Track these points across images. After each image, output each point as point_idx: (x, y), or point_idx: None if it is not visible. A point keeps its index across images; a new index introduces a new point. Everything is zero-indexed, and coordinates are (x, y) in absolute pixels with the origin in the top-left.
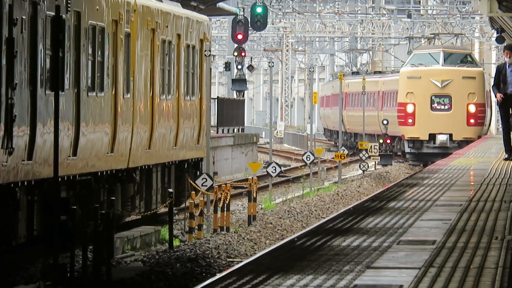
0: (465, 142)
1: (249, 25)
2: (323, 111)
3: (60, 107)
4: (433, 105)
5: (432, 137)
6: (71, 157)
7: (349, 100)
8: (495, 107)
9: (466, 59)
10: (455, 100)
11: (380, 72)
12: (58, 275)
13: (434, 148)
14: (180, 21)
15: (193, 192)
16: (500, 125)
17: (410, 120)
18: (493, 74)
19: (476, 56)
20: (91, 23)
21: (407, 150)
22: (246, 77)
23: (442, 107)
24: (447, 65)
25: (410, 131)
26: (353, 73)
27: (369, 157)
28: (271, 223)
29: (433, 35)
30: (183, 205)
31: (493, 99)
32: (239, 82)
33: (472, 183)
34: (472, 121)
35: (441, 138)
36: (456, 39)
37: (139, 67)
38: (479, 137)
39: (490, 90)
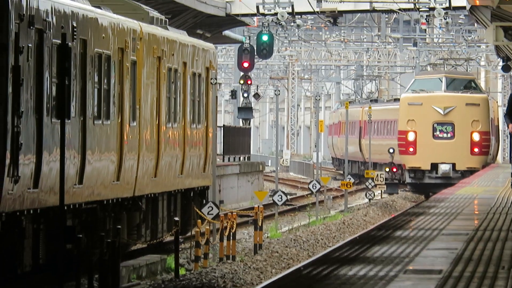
0: (469, 172)
1: (255, 53)
2: (331, 139)
3: (66, 135)
4: (435, 133)
5: (434, 166)
6: (77, 185)
7: (368, 128)
8: (502, 136)
9: (470, 85)
10: (458, 128)
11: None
12: None
13: (437, 178)
14: (186, 49)
15: (199, 220)
16: (507, 154)
17: (411, 149)
18: (499, 103)
19: (482, 84)
20: (97, 51)
21: (408, 180)
22: (252, 105)
23: (445, 135)
24: (450, 91)
25: (411, 160)
26: (371, 100)
27: (375, 185)
28: (277, 252)
29: (442, 60)
30: (189, 234)
31: (501, 128)
32: (245, 110)
33: (479, 212)
34: (476, 150)
35: (443, 168)
36: (467, 65)
37: (145, 95)
38: (484, 166)
39: (495, 118)
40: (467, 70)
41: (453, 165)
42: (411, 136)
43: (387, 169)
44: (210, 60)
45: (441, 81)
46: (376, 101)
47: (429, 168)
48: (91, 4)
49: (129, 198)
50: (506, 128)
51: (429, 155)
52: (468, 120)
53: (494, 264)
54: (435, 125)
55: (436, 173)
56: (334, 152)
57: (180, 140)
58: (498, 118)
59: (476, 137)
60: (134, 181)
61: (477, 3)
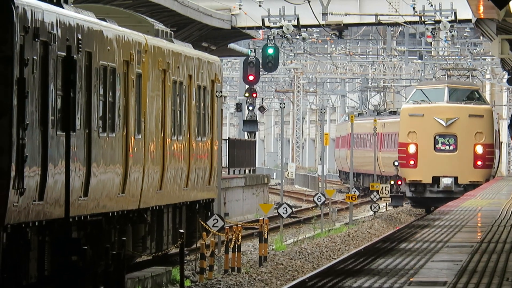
0: (472, 186)
1: (260, 66)
2: (338, 152)
3: (71, 147)
4: (437, 146)
5: (436, 180)
6: (82, 198)
7: (384, 141)
8: (506, 148)
9: (473, 96)
10: (461, 140)
11: None
12: None
13: (438, 192)
14: (191, 62)
15: (204, 232)
16: None
17: (412, 162)
18: (504, 115)
19: (487, 97)
20: (102, 63)
21: (408, 194)
22: (257, 118)
23: (447, 147)
24: (452, 102)
25: (411, 173)
26: (390, 112)
27: (380, 198)
28: (282, 264)
29: (444, 70)
30: (194, 246)
31: (505, 140)
32: (250, 123)
33: (483, 225)
34: (479, 163)
35: (445, 182)
36: (470, 75)
37: (150, 108)
38: (487, 180)
39: (498, 130)
40: (471, 80)
41: (456, 178)
42: (411, 149)
43: (392, 182)
44: (215, 73)
45: (444, 92)
46: (394, 113)
47: (430, 181)
48: (96, 16)
49: (134, 210)
50: (509, 139)
51: (431, 168)
52: (471, 132)
53: (499, 276)
54: (437, 137)
55: (438, 187)
56: (342, 165)
57: (185, 153)
58: (499, 131)
59: (480, 149)
60: (139, 193)
61: (482, 16)
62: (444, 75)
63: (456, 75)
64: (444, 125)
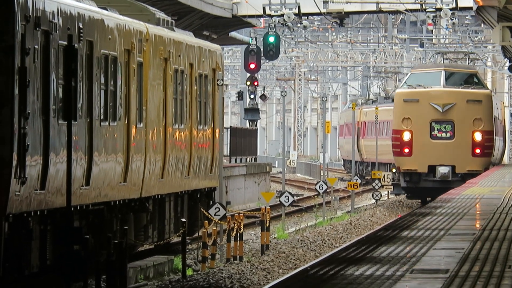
0: (470, 175)
1: (262, 55)
2: (343, 140)
3: (73, 136)
4: (433, 133)
5: (432, 169)
6: (84, 187)
7: (377, 129)
8: (508, 136)
9: (471, 80)
10: (458, 127)
11: None
12: None
13: (434, 182)
14: (192, 50)
15: (206, 221)
16: None
17: (406, 150)
18: (506, 103)
19: (489, 85)
20: (103, 52)
21: (403, 184)
22: (258, 107)
23: (444, 135)
24: (449, 87)
25: (406, 162)
26: None
27: (382, 186)
28: (284, 253)
29: (440, 54)
30: (196, 235)
31: (507, 128)
32: (252, 112)
33: (485, 212)
34: (478, 151)
35: (442, 171)
36: (468, 59)
37: (151, 97)
38: (486, 169)
39: (498, 115)
40: (472, 64)
41: (453, 167)
42: (406, 136)
43: (394, 170)
44: (217, 61)
45: (440, 75)
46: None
47: (426, 171)
48: (97, 5)
49: (136, 199)
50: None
51: (426, 157)
52: (469, 118)
53: (501, 264)
54: (433, 123)
55: (434, 176)
56: (346, 154)
57: (187, 141)
58: (504, 120)
59: (478, 137)
60: (141, 182)
61: (482, 3)
62: (443, 59)
63: (452, 58)
64: (441, 111)
